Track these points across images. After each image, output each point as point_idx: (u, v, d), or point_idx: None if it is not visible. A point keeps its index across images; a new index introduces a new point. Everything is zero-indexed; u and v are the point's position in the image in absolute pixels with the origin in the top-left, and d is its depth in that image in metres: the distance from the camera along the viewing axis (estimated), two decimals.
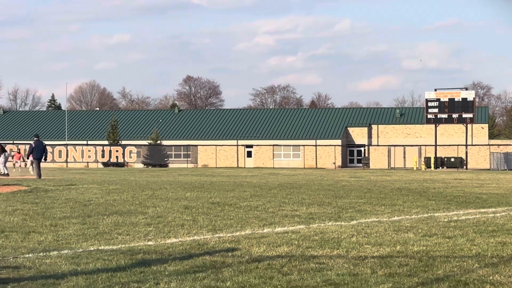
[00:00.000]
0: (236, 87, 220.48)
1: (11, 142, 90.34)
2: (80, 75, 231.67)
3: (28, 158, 37.93)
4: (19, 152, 62.73)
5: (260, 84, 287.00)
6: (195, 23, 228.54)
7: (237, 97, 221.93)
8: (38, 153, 37.70)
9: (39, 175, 36.65)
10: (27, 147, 43.62)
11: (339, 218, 17.12)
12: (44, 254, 11.43)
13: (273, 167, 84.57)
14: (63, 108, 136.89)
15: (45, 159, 39.44)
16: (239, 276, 9.56)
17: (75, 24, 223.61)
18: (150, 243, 12.79)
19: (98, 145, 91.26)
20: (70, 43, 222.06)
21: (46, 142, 40.84)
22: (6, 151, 45.56)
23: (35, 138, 38.58)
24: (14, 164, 59.25)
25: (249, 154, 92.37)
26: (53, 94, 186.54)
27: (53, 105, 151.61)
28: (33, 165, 37.59)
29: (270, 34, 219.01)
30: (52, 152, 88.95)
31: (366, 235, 13.83)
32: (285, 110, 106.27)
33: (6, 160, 43.94)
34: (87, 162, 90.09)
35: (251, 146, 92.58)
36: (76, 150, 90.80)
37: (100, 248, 12.12)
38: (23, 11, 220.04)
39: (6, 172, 42.64)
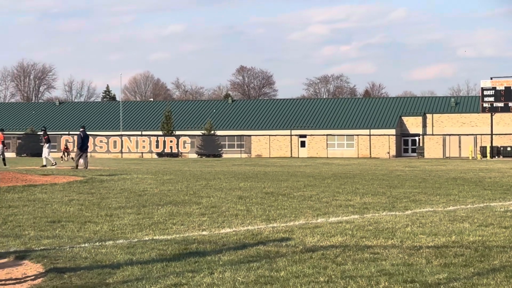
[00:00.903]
0: (289, 77, 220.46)
1: (67, 133, 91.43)
2: (135, 66, 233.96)
3: (80, 150, 38.40)
4: (67, 148, 64.00)
5: (313, 74, 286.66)
6: (248, 13, 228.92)
7: (291, 87, 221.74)
8: (86, 143, 38.71)
9: (86, 165, 37.53)
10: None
11: (393, 208, 17.01)
12: (100, 244, 11.53)
13: (327, 157, 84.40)
14: (117, 99, 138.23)
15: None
16: (293, 266, 9.55)
17: (130, 15, 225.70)
18: (204, 233, 12.83)
19: (152, 135, 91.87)
20: (125, 34, 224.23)
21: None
22: (50, 141, 46.27)
23: (81, 129, 39.42)
24: (61, 157, 60.70)
25: (303, 144, 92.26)
26: (107, 85, 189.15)
27: (108, 96, 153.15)
28: (81, 155, 38.25)
29: (323, 23, 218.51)
30: (107, 143, 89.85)
31: (421, 225, 13.71)
32: (338, 100, 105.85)
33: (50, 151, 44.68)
34: (142, 153, 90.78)
35: (304, 136, 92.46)
36: (130, 141, 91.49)
37: (155, 238, 12.19)
38: (78, 3, 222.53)
39: (54, 162, 43.15)
